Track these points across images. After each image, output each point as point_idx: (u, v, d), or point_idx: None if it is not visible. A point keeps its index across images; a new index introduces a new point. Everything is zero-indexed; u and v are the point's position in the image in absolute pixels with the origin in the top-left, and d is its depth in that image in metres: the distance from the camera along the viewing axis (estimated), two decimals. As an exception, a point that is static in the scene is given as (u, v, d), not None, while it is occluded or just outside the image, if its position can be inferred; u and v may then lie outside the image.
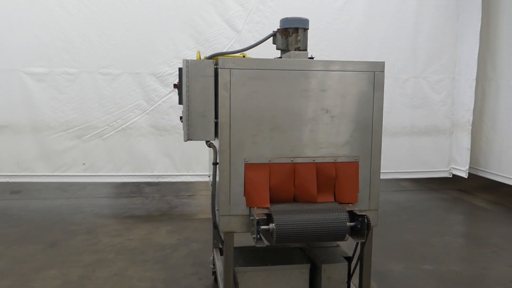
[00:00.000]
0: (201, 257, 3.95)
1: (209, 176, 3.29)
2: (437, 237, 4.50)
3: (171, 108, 5.54)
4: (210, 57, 2.62)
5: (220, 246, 2.44)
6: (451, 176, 6.18)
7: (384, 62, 2.40)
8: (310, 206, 2.29)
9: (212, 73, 2.41)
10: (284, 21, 2.68)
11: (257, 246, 2.14)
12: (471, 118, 5.86)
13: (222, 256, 2.74)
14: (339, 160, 2.38)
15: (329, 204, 2.35)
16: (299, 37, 2.64)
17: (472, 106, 5.83)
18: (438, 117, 6.09)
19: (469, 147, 5.89)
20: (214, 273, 3.45)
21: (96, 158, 5.46)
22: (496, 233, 4.66)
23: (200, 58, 2.69)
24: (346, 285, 2.54)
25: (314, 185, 2.36)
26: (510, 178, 5.63)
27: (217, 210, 2.43)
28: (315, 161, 2.36)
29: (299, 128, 2.33)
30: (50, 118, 5.24)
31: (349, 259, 2.62)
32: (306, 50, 2.64)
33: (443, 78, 6.04)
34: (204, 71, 2.40)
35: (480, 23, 5.69)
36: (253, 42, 5.78)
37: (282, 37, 2.67)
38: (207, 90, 2.41)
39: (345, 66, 2.35)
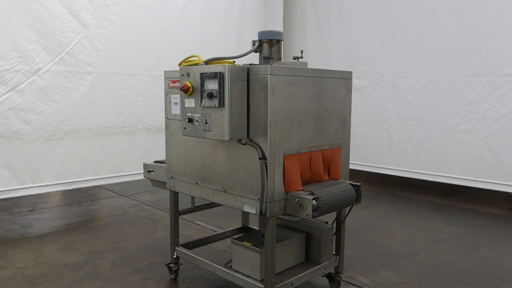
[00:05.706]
0: (134, 264, 3.79)
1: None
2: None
3: (11, 111, 4.73)
4: (208, 61, 2.83)
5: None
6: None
7: (351, 72, 3.23)
8: (324, 184, 2.91)
9: (245, 77, 2.67)
10: (267, 33, 3.11)
11: (313, 218, 2.62)
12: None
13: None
14: (332, 147, 3.08)
15: (331, 181, 3.02)
16: (281, 48, 3.16)
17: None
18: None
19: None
20: (176, 271, 3.51)
21: None
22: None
23: (201, 61, 2.85)
24: (332, 242, 3.28)
25: (321, 168, 2.98)
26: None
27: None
28: (321, 149, 2.98)
29: (313, 123, 2.90)
30: None
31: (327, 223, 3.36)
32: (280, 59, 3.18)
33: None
34: (240, 75, 2.64)
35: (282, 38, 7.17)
36: (101, 39, 5.56)
37: (268, 47, 3.10)
38: (242, 93, 2.66)
39: (334, 74, 3.06)
